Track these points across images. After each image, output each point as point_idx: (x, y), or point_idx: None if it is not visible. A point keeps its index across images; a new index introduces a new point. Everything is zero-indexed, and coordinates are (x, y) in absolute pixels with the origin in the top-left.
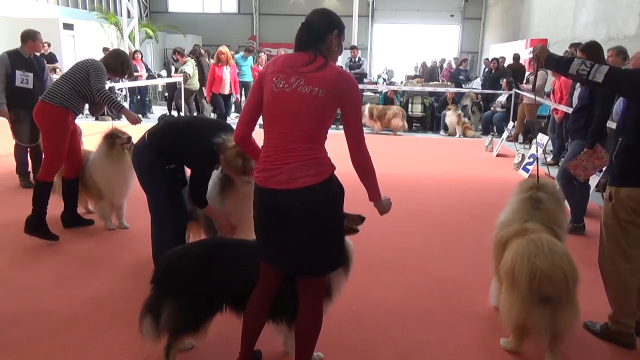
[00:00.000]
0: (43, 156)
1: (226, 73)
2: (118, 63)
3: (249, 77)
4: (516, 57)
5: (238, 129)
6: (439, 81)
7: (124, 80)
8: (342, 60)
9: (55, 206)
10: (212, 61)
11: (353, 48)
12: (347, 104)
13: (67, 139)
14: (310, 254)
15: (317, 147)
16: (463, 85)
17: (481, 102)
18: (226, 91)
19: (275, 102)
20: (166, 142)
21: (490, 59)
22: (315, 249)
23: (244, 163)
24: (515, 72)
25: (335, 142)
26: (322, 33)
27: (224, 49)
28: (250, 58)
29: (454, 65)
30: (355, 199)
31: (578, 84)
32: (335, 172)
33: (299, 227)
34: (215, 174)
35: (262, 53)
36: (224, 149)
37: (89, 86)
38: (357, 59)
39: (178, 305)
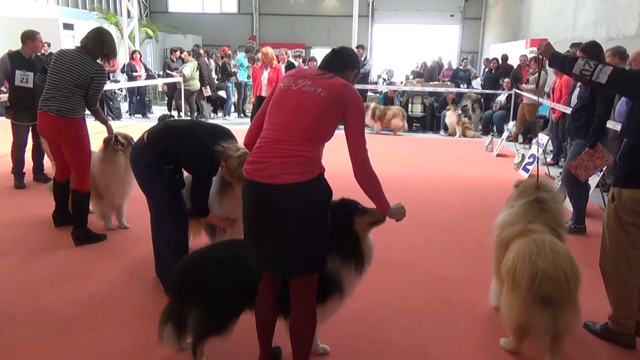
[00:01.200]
0: (71, 167)
1: (264, 75)
2: (97, 46)
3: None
4: (504, 58)
5: (249, 133)
6: (439, 81)
7: (108, 63)
8: None
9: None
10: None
11: (359, 47)
12: (349, 112)
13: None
14: (294, 253)
15: (311, 147)
16: (461, 86)
17: (481, 100)
18: (263, 93)
19: (280, 98)
20: (165, 143)
21: (490, 59)
22: (298, 247)
23: None
24: (508, 73)
25: (336, 142)
26: (345, 66)
27: (266, 49)
28: None
29: (454, 66)
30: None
31: (578, 82)
32: (335, 173)
33: (284, 223)
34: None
35: (259, 53)
36: (227, 157)
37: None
38: (363, 58)
39: (203, 311)
